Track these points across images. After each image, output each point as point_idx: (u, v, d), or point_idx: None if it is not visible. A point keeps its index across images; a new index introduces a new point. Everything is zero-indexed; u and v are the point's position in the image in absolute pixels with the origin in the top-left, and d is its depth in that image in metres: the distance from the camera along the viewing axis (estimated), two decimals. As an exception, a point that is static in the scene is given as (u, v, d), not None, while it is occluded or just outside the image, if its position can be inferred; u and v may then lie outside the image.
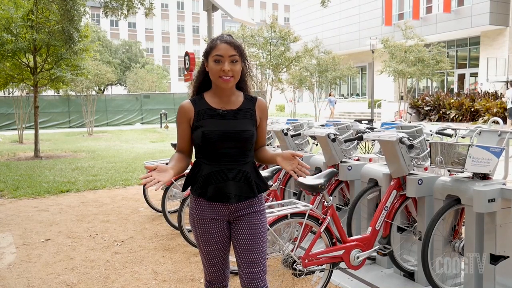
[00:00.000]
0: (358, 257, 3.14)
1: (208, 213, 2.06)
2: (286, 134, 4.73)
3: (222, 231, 2.09)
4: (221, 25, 55.32)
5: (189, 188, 2.13)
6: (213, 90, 2.11)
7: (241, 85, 2.15)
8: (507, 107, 16.27)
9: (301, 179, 3.06)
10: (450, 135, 3.59)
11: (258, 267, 2.07)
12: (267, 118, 2.22)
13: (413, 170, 3.40)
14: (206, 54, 2.05)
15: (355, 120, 6.15)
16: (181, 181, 4.80)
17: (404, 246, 3.60)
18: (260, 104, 2.16)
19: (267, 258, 2.42)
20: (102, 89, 34.08)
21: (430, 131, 3.67)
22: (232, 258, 2.21)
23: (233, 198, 2.03)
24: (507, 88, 16.19)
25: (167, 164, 2.00)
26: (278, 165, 2.18)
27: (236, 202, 2.05)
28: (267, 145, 5.15)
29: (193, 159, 2.18)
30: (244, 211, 2.09)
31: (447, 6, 25.53)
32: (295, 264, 2.93)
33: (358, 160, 4.30)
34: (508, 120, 16.14)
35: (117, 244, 4.56)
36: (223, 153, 2.02)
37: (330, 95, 27.15)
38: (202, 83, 2.14)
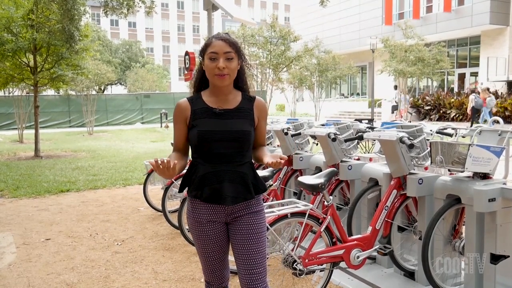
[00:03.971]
0: (358, 257, 3.14)
1: (204, 215, 2.04)
2: (286, 133, 4.73)
3: (219, 233, 2.07)
4: (221, 24, 55.31)
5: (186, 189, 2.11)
6: (210, 89, 2.07)
7: (240, 84, 2.10)
8: (392, 105, 23.24)
9: (301, 179, 3.06)
10: (450, 135, 3.58)
11: (257, 268, 2.02)
12: (266, 118, 2.16)
13: (414, 169, 3.39)
14: (202, 52, 2.03)
15: (355, 120, 6.15)
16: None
17: (405, 245, 3.60)
18: (259, 103, 2.11)
19: (267, 258, 2.42)
20: (102, 89, 34.05)
21: (431, 130, 3.67)
22: (231, 257, 2.20)
23: (229, 199, 1.98)
24: (395, 90, 23.00)
25: None
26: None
27: (232, 203, 2.00)
28: (267, 144, 5.15)
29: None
30: (241, 212, 2.05)
31: (447, 6, 25.51)
32: (295, 263, 2.93)
33: (358, 159, 4.30)
34: (391, 113, 22.98)
35: (118, 244, 4.56)
36: (219, 154, 1.98)
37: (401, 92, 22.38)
38: (201, 82, 2.11)
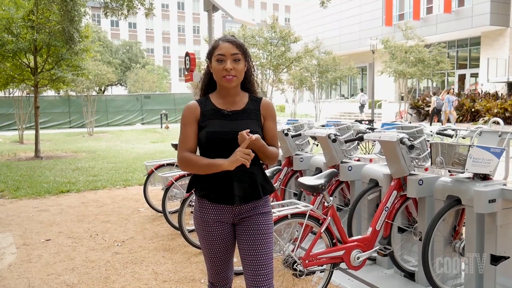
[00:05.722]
0: (358, 258, 3.14)
1: (212, 216, 2.04)
2: (286, 134, 4.73)
3: (226, 234, 2.07)
4: (221, 25, 55.30)
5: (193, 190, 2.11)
6: (218, 91, 2.09)
7: (247, 85, 2.13)
8: (358, 106, 26.38)
9: (301, 179, 3.06)
10: (450, 136, 3.59)
11: (264, 269, 2.01)
12: (273, 118, 2.13)
13: (414, 170, 3.39)
14: (209, 55, 2.05)
15: (355, 121, 6.15)
16: (182, 182, 4.80)
17: (405, 246, 3.60)
18: (265, 103, 2.12)
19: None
20: (102, 90, 34.08)
21: (431, 131, 3.68)
22: (235, 258, 2.20)
23: (237, 199, 1.99)
24: (361, 94, 26.60)
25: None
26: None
27: (240, 203, 2.01)
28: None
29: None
30: (248, 213, 2.05)
31: (447, 7, 25.52)
32: (296, 264, 2.93)
33: (358, 160, 4.30)
34: (361, 113, 25.79)
35: (118, 245, 4.56)
36: (227, 154, 1.97)
37: (448, 93, 19.93)
38: (208, 85, 2.13)
